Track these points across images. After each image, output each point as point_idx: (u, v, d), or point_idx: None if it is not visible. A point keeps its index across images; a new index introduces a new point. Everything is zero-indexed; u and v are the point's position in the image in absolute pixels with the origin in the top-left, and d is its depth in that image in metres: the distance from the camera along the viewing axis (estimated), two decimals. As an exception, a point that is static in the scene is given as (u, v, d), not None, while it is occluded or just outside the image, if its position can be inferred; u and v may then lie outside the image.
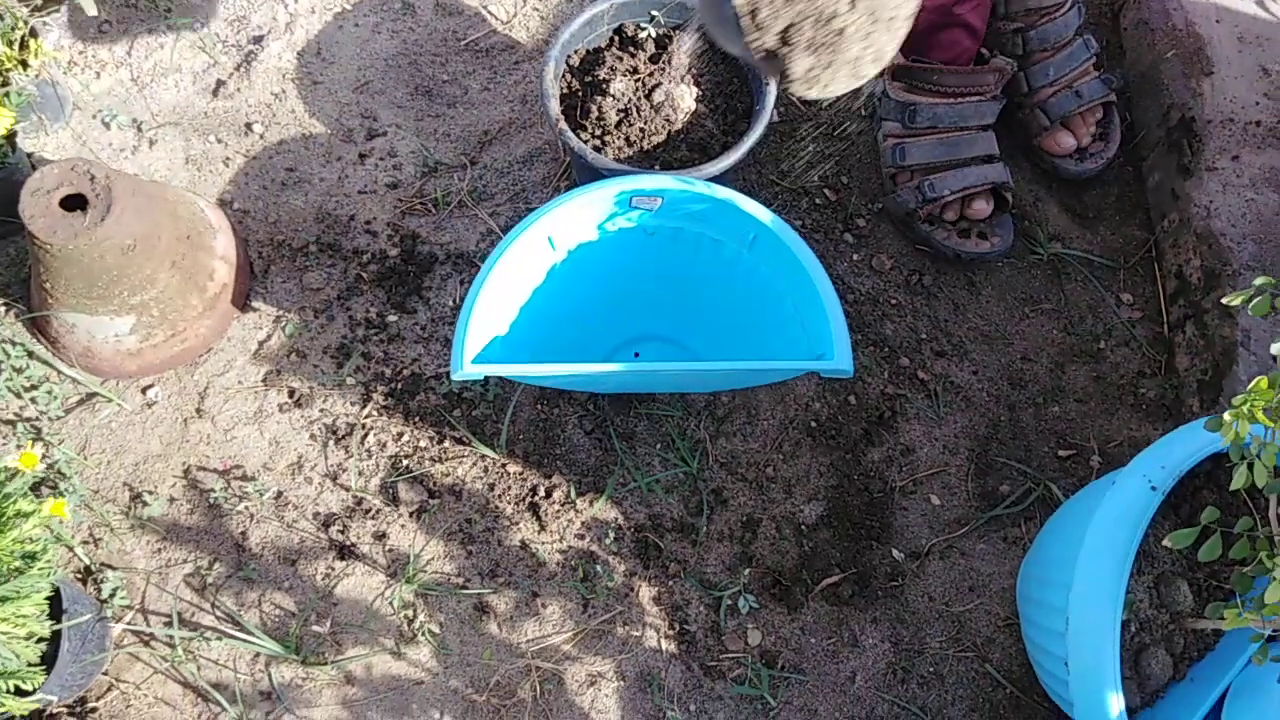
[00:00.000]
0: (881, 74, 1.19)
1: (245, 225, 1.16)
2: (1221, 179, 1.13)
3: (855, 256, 1.18)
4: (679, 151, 1.05)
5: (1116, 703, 0.77)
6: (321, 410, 1.07)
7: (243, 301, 1.11)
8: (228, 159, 1.19)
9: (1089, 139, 1.20)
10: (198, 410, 1.07)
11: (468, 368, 0.86)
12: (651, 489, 1.05)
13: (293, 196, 1.17)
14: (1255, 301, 0.66)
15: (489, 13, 1.29)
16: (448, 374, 1.08)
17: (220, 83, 1.23)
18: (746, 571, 1.03)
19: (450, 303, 1.13)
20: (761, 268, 0.98)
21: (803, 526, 1.05)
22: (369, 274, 1.14)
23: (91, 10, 1.17)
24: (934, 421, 1.10)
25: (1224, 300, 0.67)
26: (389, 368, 1.09)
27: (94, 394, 1.06)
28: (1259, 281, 0.66)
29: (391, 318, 1.12)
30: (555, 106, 1.02)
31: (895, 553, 1.05)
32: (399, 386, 1.08)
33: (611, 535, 1.03)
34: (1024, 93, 1.19)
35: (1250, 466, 0.66)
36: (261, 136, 1.20)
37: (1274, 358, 0.66)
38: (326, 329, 1.11)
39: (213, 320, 1.07)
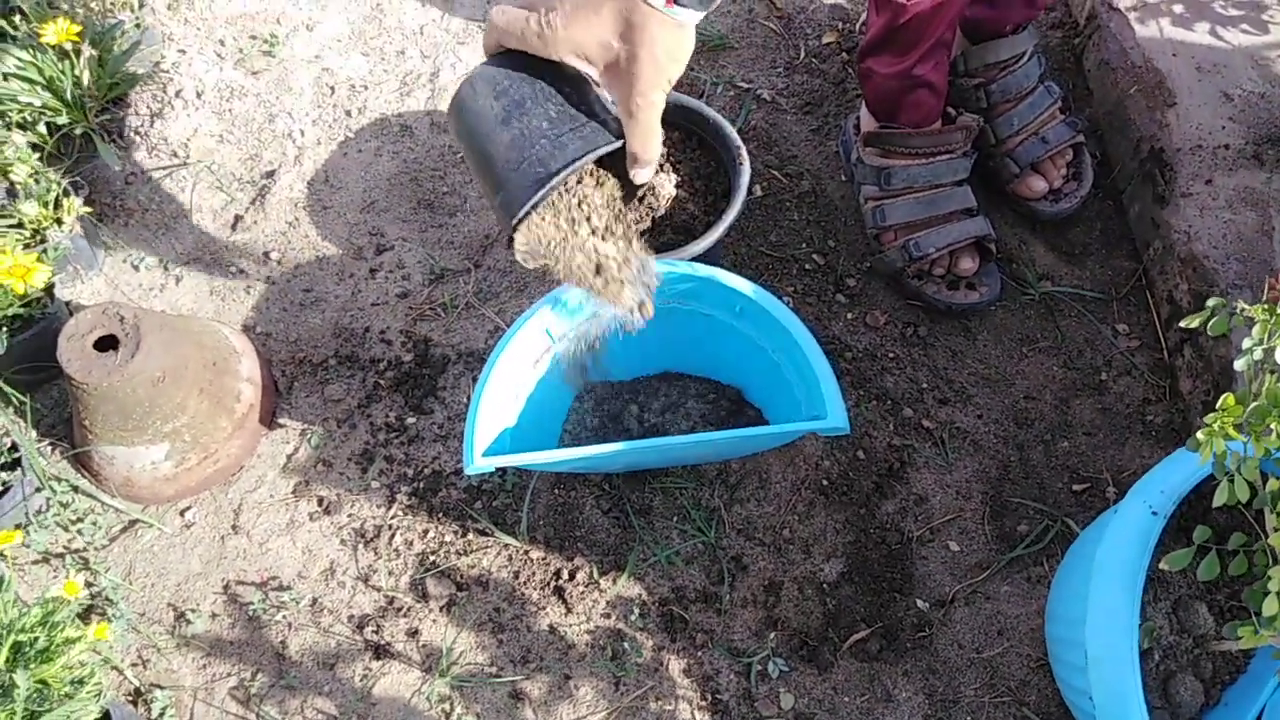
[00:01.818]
0: (856, 138, 1.25)
1: (268, 346, 1.22)
2: (1198, 203, 1.16)
3: (849, 315, 1.21)
4: (664, 235, 1.10)
5: (1145, 733, 0.76)
6: (350, 515, 1.12)
7: (269, 419, 1.17)
8: (249, 287, 1.27)
9: (1060, 180, 1.24)
10: (233, 527, 1.12)
11: (479, 461, 0.90)
12: (672, 562, 1.08)
13: (311, 315, 1.24)
14: (1213, 321, 0.68)
15: (481, 125, 1.38)
16: (467, 469, 1.13)
17: (238, 217, 1.32)
18: (773, 635, 1.04)
19: (464, 400, 1.18)
20: (753, 336, 1.02)
21: (824, 585, 1.06)
22: (386, 380, 1.19)
23: (116, 166, 1.27)
24: (944, 469, 1.12)
25: (1181, 324, 0.69)
26: (411, 468, 1.14)
27: (136, 521, 1.12)
28: (1212, 302, 0.68)
29: (410, 420, 1.17)
30: (543, 206, 1.09)
31: (920, 603, 1.05)
32: (421, 485, 1.13)
33: (637, 611, 1.05)
34: (992, 143, 1.23)
35: (1232, 481, 0.67)
36: (279, 263, 1.28)
37: (1243, 374, 0.67)
38: (350, 437, 1.16)
39: (242, 439, 1.13)
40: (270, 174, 1.34)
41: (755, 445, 1.03)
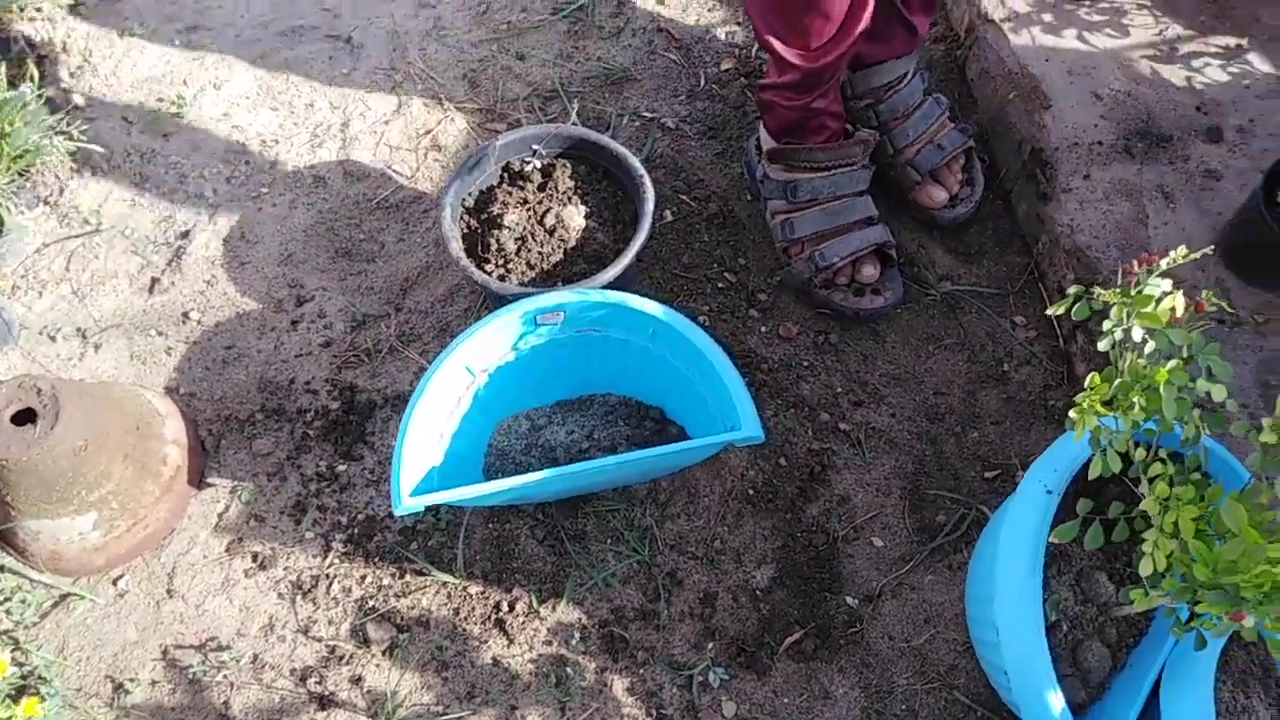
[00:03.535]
0: (759, 157, 1.30)
1: (193, 406, 1.22)
2: (1078, 197, 1.23)
3: (763, 328, 1.26)
4: (577, 266, 1.13)
5: (1056, 700, 0.80)
6: (285, 568, 1.12)
7: (198, 479, 1.17)
8: (170, 349, 1.27)
9: (957, 186, 1.30)
10: (168, 591, 1.11)
11: (407, 501, 0.92)
12: (609, 583, 1.10)
13: (234, 372, 1.25)
14: (1076, 307, 0.74)
15: (393, 171, 1.40)
16: (400, 510, 1.14)
17: (155, 280, 1.32)
18: (711, 646, 1.06)
19: (394, 443, 1.19)
20: (667, 357, 1.05)
21: (757, 592, 1.09)
22: (314, 430, 1.20)
23: (26, 238, 1.27)
24: (863, 468, 1.16)
25: (1047, 312, 0.74)
26: (344, 515, 1.15)
27: (67, 594, 1.11)
28: (1072, 290, 0.73)
29: (341, 467, 1.18)
30: (456, 246, 1.11)
31: (849, 600, 1.09)
32: (356, 531, 1.14)
33: (578, 635, 1.07)
34: (890, 154, 1.29)
35: (1105, 454, 0.72)
36: (199, 322, 1.29)
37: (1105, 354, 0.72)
38: (281, 489, 1.17)
39: (171, 502, 1.13)
40: (185, 234, 1.35)
41: (677, 461, 1.06)
